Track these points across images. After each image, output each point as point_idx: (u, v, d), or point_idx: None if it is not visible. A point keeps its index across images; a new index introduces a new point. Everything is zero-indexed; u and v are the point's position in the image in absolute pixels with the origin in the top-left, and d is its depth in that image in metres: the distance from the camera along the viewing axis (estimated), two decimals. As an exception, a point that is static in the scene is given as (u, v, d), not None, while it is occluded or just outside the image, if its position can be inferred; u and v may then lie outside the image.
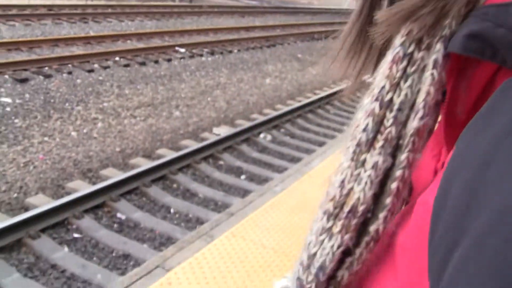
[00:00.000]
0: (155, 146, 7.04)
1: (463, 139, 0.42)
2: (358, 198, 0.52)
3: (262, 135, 7.93)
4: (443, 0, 0.47)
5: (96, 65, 9.92)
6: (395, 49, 0.52)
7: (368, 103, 0.53)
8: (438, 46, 0.49)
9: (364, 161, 0.52)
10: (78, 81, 8.96)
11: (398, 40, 0.52)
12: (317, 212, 0.56)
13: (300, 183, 5.02)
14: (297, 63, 14.07)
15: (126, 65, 10.33)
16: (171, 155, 6.41)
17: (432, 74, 0.50)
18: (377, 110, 0.52)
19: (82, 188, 5.34)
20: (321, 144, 7.73)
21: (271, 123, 8.33)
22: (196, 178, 6.23)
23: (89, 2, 17.67)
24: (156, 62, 11.11)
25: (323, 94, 10.63)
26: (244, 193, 5.89)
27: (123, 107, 8.17)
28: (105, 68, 9.92)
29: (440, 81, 0.50)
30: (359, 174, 0.52)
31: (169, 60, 11.44)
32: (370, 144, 0.52)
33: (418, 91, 0.51)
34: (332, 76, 13.04)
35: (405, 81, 0.51)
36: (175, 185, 5.95)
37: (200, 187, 5.96)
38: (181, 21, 17.22)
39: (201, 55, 12.55)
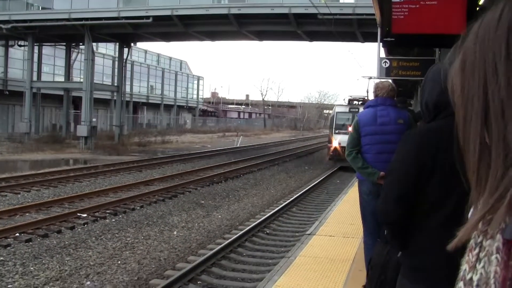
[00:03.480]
0: (70, 323, 6.70)
1: None
2: None
3: (179, 292, 7.80)
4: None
5: (-5, 245, 9.51)
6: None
7: (457, 283, 0.72)
8: (498, 236, 0.68)
9: None
10: (-22, 266, 8.51)
11: None
12: None
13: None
14: (201, 209, 14.26)
15: (28, 240, 9.99)
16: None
17: (496, 258, 0.68)
18: (461, 287, 0.71)
19: None
20: (240, 290, 7.74)
21: (186, 277, 8.22)
22: None
23: (-21, 178, 17.18)
24: (59, 231, 10.84)
25: (233, 237, 10.74)
26: None
27: (30, 286, 7.78)
28: (6, 246, 9.53)
29: (505, 262, 0.68)
30: None
31: (72, 228, 11.21)
32: None
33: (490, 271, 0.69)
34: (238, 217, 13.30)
35: (479, 263, 0.70)
36: None
37: None
38: (78, 185, 17.08)
39: (105, 218, 12.43)
